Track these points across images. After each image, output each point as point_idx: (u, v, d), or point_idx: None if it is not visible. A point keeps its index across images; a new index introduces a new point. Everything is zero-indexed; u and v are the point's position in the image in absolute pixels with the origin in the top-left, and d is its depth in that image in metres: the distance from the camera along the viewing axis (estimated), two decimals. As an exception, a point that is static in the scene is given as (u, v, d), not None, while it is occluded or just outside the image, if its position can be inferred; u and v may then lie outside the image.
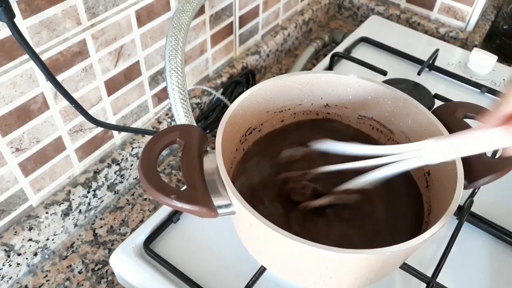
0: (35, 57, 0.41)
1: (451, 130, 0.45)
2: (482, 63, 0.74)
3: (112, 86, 0.56)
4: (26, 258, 0.53)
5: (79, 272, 0.54)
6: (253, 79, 0.77)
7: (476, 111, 0.48)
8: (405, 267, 0.47)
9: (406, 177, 0.49)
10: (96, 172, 0.57)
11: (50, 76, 0.43)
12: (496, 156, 0.58)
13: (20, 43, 0.39)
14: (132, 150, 0.61)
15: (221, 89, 0.72)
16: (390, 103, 0.50)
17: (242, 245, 0.46)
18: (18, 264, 0.52)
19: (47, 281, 0.53)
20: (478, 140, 0.37)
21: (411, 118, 0.48)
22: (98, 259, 0.56)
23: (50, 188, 0.54)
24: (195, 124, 0.54)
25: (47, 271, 0.54)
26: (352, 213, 0.46)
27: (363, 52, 0.79)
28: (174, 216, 0.52)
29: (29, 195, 0.52)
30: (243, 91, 0.55)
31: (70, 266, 0.55)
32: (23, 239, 0.51)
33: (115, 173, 0.60)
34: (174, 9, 0.58)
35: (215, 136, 0.46)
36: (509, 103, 0.34)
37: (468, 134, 0.38)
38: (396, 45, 0.79)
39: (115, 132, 0.60)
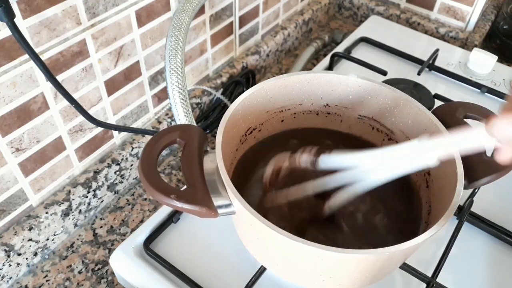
0: (35, 57, 0.41)
1: (451, 130, 0.45)
2: (482, 63, 0.74)
3: (112, 86, 0.56)
4: (26, 258, 0.53)
5: (79, 272, 0.54)
6: (253, 79, 0.77)
7: (476, 111, 0.48)
8: (405, 267, 0.47)
9: (405, 177, 0.49)
10: (96, 172, 0.57)
11: (50, 76, 0.43)
12: (496, 156, 0.58)
13: (20, 43, 0.39)
14: (132, 150, 0.61)
15: (221, 89, 0.72)
16: (390, 103, 0.50)
17: (242, 245, 0.46)
18: (18, 264, 0.52)
19: (47, 281, 0.53)
20: (475, 137, 0.36)
21: (411, 118, 0.48)
22: (98, 259, 0.56)
23: (50, 188, 0.54)
24: (195, 124, 0.54)
25: (47, 271, 0.54)
26: (352, 214, 0.46)
27: (363, 52, 0.79)
28: (174, 216, 0.52)
29: (29, 195, 0.52)
30: (243, 91, 0.55)
31: (70, 266, 0.55)
32: (23, 239, 0.51)
33: (115, 173, 0.60)
34: (174, 9, 0.58)
35: (215, 136, 0.46)
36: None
37: (467, 131, 0.38)
38: (396, 45, 0.79)
39: (115, 132, 0.60)
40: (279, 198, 0.45)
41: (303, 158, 0.44)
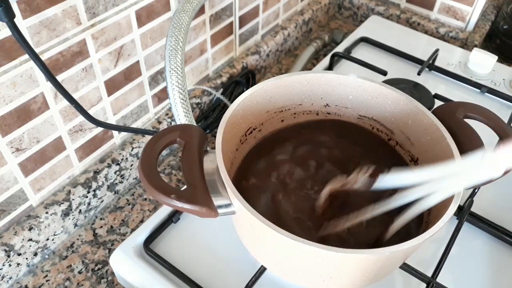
0: (35, 57, 0.41)
1: (451, 130, 0.45)
2: (482, 63, 0.74)
3: (112, 86, 0.56)
4: (26, 258, 0.53)
5: (79, 272, 0.54)
6: (253, 79, 0.77)
7: (476, 111, 0.48)
8: (405, 267, 0.47)
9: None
10: (96, 172, 0.57)
11: (50, 76, 0.43)
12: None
13: (20, 43, 0.39)
14: (132, 150, 0.61)
15: (221, 89, 0.72)
16: (390, 103, 0.50)
17: (242, 245, 0.46)
18: (18, 264, 0.52)
19: (47, 281, 0.53)
20: None
21: (411, 118, 0.48)
22: (98, 259, 0.56)
23: (50, 188, 0.54)
24: (195, 124, 0.54)
25: (47, 271, 0.54)
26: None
27: (363, 52, 0.79)
28: (174, 216, 0.52)
29: (29, 195, 0.52)
30: (243, 91, 0.55)
31: (70, 266, 0.55)
32: (23, 239, 0.51)
33: (115, 173, 0.60)
34: (174, 9, 0.58)
35: (215, 136, 0.46)
36: None
37: None
38: (396, 45, 0.79)
39: (115, 132, 0.60)
40: (338, 225, 0.43)
41: (361, 179, 0.43)
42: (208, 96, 0.71)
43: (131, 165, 0.62)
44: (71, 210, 0.56)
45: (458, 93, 0.73)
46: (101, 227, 0.59)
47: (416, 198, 0.39)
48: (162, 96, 0.65)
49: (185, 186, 0.40)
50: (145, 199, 0.62)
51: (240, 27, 0.74)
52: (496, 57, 0.74)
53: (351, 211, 0.42)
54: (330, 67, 0.74)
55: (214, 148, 0.41)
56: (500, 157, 0.37)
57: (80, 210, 0.57)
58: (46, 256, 0.55)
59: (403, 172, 0.40)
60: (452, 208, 0.38)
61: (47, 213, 0.53)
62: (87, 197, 0.57)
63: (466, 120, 0.47)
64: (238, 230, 0.46)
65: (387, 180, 0.41)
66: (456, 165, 0.40)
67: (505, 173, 0.38)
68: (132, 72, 0.57)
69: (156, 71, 0.61)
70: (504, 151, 0.37)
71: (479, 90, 0.73)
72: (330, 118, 0.54)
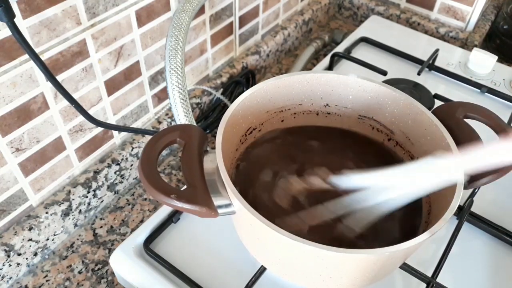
0: (35, 57, 0.41)
1: (451, 130, 0.45)
2: (482, 63, 0.74)
3: (112, 86, 0.56)
4: (26, 258, 0.53)
5: (79, 272, 0.54)
6: (253, 79, 0.77)
7: (476, 111, 0.48)
8: (405, 267, 0.47)
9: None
10: (96, 172, 0.57)
11: (50, 76, 0.43)
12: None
13: (20, 43, 0.39)
14: (132, 150, 0.61)
15: (221, 89, 0.72)
16: (390, 103, 0.50)
17: (242, 245, 0.46)
18: (18, 264, 0.52)
19: (47, 281, 0.53)
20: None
21: (411, 118, 0.48)
22: (98, 259, 0.56)
23: (50, 188, 0.54)
24: (195, 124, 0.54)
25: (47, 271, 0.54)
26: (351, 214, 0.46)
27: (363, 52, 0.79)
28: (174, 216, 0.52)
29: (29, 195, 0.52)
30: (243, 91, 0.55)
31: (70, 266, 0.55)
32: (23, 239, 0.51)
33: (115, 173, 0.60)
34: (174, 9, 0.58)
35: (215, 136, 0.46)
36: None
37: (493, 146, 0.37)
38: (396, 45, 0.79)
39: (115, 132, 0.60)
40: (303, 223, 0.44)
41: (318, 180, 0.45)
42: (208, 96, 0.71)
43: (131, 165, 0.62)
44: (71, 210, 0.56)
45: (458, 93, 0.73)
46: (101, 227, 0.59)
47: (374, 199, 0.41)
48: (162, 96, 0.65)
49: (185, 186, 0.40)
50: (145, 199, 0.62)
51: (240, 27, 0.74)
52: (496, 57, 0.74)
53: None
54: (330, 67, 0.74)
55: (214, 148, 0.41)
56: (456, 161, 0.38)
57: (80, 210, 0.57)
58: (46, 256, 0.55)
59: (364, 174, 0.42)
60: (452, 208, 0.38)
61: (47, 213, 0.53)
62: (87, 197, 0.57)
63: (466, 120, 0.47)
64: (238, 230, 0.46)
65: (344, 180, 0.43)
66: (414, 168, 0.41)
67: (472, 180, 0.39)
68: (132, 72, 0.57)
69: (156, 71, 0.61)
70: (460, 156, 0.38)
71: (479, 90, 0.73)
72: (329, 124, 0.54)
